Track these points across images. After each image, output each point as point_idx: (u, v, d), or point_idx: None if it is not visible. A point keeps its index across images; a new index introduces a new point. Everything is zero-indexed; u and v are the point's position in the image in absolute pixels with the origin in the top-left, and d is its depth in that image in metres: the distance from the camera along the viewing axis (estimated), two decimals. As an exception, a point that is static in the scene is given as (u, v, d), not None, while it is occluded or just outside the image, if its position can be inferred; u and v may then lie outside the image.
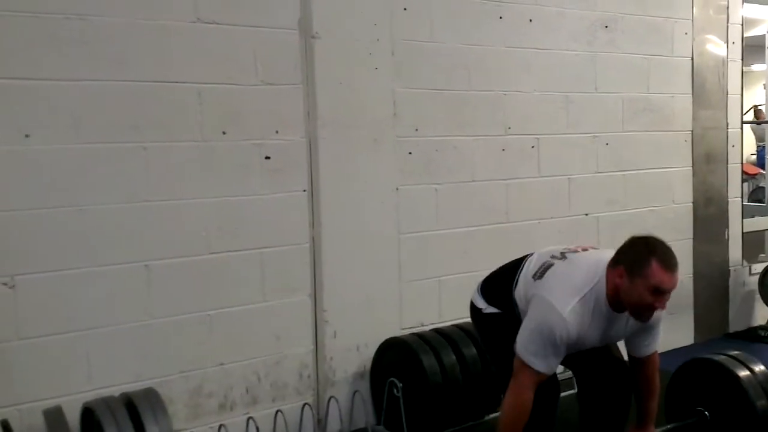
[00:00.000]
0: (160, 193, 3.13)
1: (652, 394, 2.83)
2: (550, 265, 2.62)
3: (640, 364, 2.77)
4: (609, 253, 2.57)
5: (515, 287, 2.71)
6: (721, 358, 3.18)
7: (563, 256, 2.67)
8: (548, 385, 2.65)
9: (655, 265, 2.41)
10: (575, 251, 2.70)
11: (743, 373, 3.08)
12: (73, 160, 2.96)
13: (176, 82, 3.15)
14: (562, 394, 2.95)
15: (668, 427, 3.12)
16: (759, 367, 3.13)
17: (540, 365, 2.49)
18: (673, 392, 3.26)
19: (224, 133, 3.26)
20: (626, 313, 2.55)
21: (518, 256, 2.86)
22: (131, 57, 3.04)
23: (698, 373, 3.20)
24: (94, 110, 2.98)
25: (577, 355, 2.75)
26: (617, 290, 2.48)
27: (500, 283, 2.80)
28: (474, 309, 2.88)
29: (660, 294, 2.44)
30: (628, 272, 2.44)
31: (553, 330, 2.45)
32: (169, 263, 3.16)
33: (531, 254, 2.79)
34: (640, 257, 2.44)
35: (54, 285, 2.93)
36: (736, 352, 3.23)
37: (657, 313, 2.57)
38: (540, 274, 2.61)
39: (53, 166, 2.92)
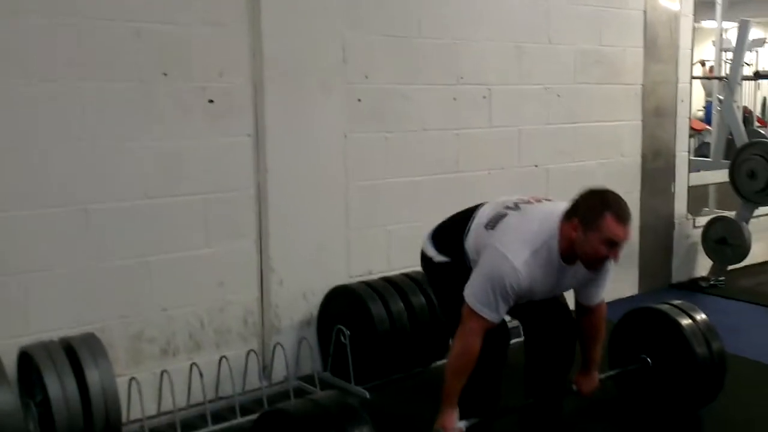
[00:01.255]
0: (97, 135, 3.04)
1: (597, 341, 2.89)
2: (504, 216, 2.61)
3: (587, 312, 2.81)
4: (562, 205, 2.57)
5: (466, 237, 2.70)
6: (664, 307, 3.26)
7: (516, 206, 2.66)
8: (498, 332, 2.66)
9: (609, 218, 2.42)
10: (529, 202, 2.70)
11: (685, 321, 3.16)
12: (4, 98, 2.84)
13: (113, 19, 3.03)
14: (512, 341, 2.97)
15: (611, 373, 3.20)
16: (700, 316, 3.21)
17: (488, 313, 2.51)
18: (617, 340, 3.34)
19: (165, 74, 3.17)
20: (576, 265, 2.57)
21: (468, 207, 2.84)
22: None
23: (642, 322, 3.27)
24: (26, 47, 2.86)
25: (524, 305, 2.78)
26: (571, 242, 2.49)
27: (451, 233, 2.79)
28: (424, 257, 2.87)
29: (614, 246, 2.45)
30: (582, 225, 2.45)
31: (504, 280, 2.46)
32: (108, 207, 3.09)
33: (483, 204, 2.78)
34: (594, 210, 2.45)
35: (-12, 228, 2.85)
36: (678, 302, 3.31)
37: (607, 264, 2.61)
38: (493, 224, 2.61)
39: (-16, 105, 2.81)
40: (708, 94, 9.33)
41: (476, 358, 2.53)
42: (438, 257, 2.80)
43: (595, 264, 2.53)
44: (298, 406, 2.39)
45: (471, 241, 2.68)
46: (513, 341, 2.97)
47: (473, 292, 2.53)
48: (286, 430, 2.21)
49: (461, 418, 2.59)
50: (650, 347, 3.21)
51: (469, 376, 2.57)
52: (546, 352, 2.88)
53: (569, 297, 2.85)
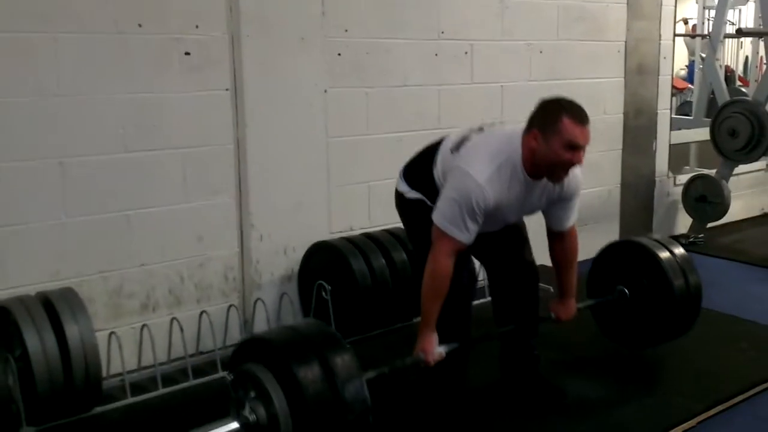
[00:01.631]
0: (72, 88, 2.99)
1: (571, 267, 2.90)
2: (467, 138, 2.64)
3: (559, 237, 2.83)
4: (519, 130, 2.59)
5: (434, 166, 2.70)
6: (644, 240, 3.27)
7: (480, 129, 2.71)
8: (465, 269, 2.71)
9: (566, 120, 2.45)
10: (492, 125, 2.73)
11: (663, 254, 3.16)
12: (-24, 51, 2.79)
13: (86, -33, 2.96)
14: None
15: (589, 302, 3.21)
16: (678, 250, 3.22)
17: (458, 233, 2.52)
18: (596, 272, 3.33)
19: (140, 25, 3.11)
20: (543, 182, 2.60)
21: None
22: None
23: (621, 254, 3.28)
24: (-4, -3, 2.80)
25: (490, 254, 2.85)
26: (533, 153, 2.50)
27: (420, 165, 2.79)
28: (397, 194, 2.88)
29: (574, 149, 2.47)
30: (541, 133, 2.47)
31: (470, 197, 2.48)
32: (85, 161, 3.05)
33: (443, 137, 2.79)
34: (551, 115, 2.48)
35: (-40, 182, 2.81)
36: (657, 236, 3.32)
37: (573, 184, 2.66)
38: (457, 147, 2.63)
39: (-46, 57, 2.75)
40: (691, 53, 9.31)
41: (449, 278, 2.55)
42: (410, 193, 2.80)
43: (560, 173, 2.55)
44: (279, 333, 2.38)
45: (438, 168, 2.69)
46: (480, 301, 3.01)
47: (441, 213, 2.55)
48: (266, 357, 2.20)
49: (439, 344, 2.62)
50: (629, 279, 3.21)
51: (441, 311, 2.59)
52: (512, 303, 2.93)
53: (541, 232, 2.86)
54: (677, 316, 3.15)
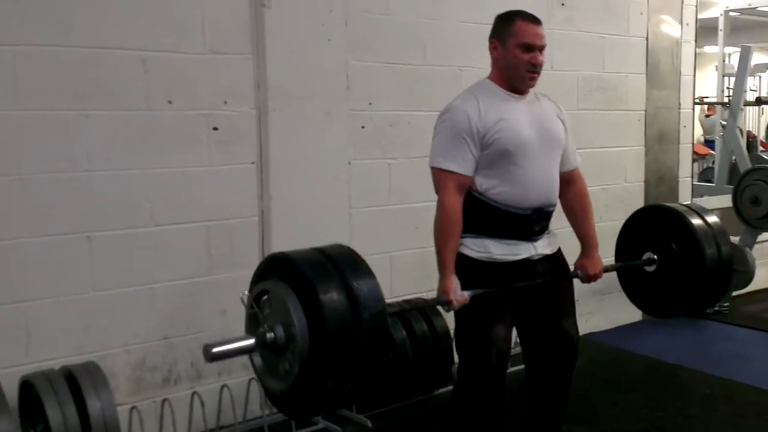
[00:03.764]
0: (102, 163, 3.05)
1: (587, 213, 2.85)
2: None
3: (568, 180, 2.80)
4: None
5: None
6: (676, 205, 3.21)
7: None
8: (491, 360, 2.59)
9: (519, 22, 2.60)
10: None
11: (696, 221, 3.07)
12: (12, 127, 2.86)
13: (120, 48, 3.05)
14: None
15: (616, 264, 3.13)
16: (712, 219, 3.12)
17: (455, 166, 2.54)
18: (625, 237, 3.25)
19: (170, 102, 3.18)
20: (530, 98, 2.68)
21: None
22: (72, 21, 2.94)
23: (651, 220, 3.19)
24: (33, 76, 2.88)
25: (528, 319, 2.71)
26: (497, 64, 2.66)
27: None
28: None
29: (531, 50, 2.59)
30: (499, 40, 2.64)
31: (453, 119, 2.57)
32: (112, 235, 3.09)
33: None
34: (505, 21, 2.64)
35: (-9, 256, 2.85)
36: (689, 202, 3.25)
37: (560, 105, 2.78)
38: None
39: (-10, 133, 2.82)
40: (707, 131, 9.33)
41: (457, 214, 2.56)
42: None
43: (524, 75, 2.61)
44: (305, 253, 2.25)
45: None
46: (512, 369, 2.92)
47: (432, 152, 2.62)
48: (289, 276, 2.14)
49: None
50: (659, 245, 3.10)
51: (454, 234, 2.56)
52: (546, 391, 2.81)
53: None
54: (708, 287, 3.02)
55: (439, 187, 2.60)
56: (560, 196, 2.79)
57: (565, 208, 2.86)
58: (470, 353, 2.65)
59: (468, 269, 2.61)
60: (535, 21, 2.63)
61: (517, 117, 2.62)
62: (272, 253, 2.46)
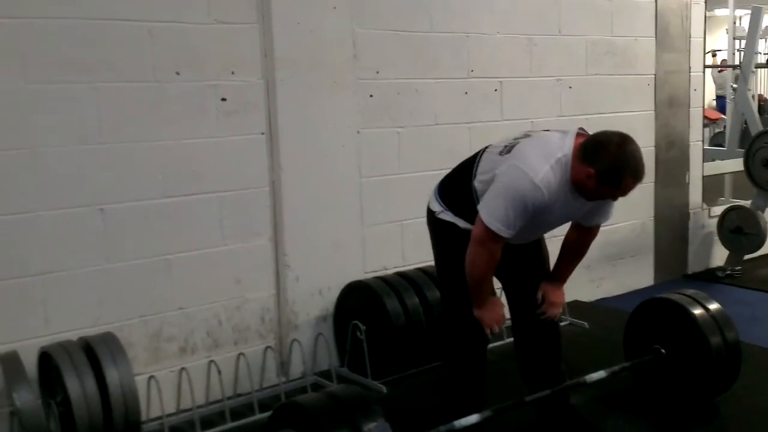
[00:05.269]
0: (113, 135, 3.06)
1: (579, 259, 2.87)
2: (516, 143, 2.60)
3: (581, 231, 2.80)
4: (571, 133, 2.55)
5: (473, 179, 2.65)
6: (677, 297, 3.24)
7: (527, 135, 2.67)
8: (476, 334, 2.73)
9: (628, 181, 2.45)
10: (537, 131, 2.74)
11: (698, 311, 3.14)
12: (22, 101, 2.87)
13: (126, 20, 3.05)
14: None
15: (626, 364, 3.19)
16: (713, 306, 3.19)
17: (504, 230, 2.49)
18: (631, 331, 3.33)
19: (178, 73, 3.18)
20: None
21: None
22: (78, -7, 2.94)
23: (655, 312, 3.26)
24: (41, 49, 2.89)
25: (512, 278, 2.83)
26: (582, 184, 2.48)
27: (457, 180, 2.75)
28: (429, 212, 2.83)
29: (623, 195, 2.52)
30: (598, 178, 2.44)
31: (524, 197, 2.45)
32: (125, 207, 3.11)
33: (485, 147, 2.74)
34: (615, 170, 2.43)
35: (7, 229, 2.87)
36: (691, 291, 3.30)
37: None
38: (507, 149, 2.58)
39: (1, 108, 2.83)
40: (719, 87, 9.24)
41: (494, 264, 2.58)
42: (442, 213, 2.74)
43: (597, 200, 2.58)
44: (313, 399, 2.36)
45: (480, 179, 2.63)
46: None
47: (488, 208, 2.51)
48: (300, 423, 2.19)
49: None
50: (664, 337, 3.19)
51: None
52: (534, 345, 2.90)
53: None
54: (715, 375, 3.09)
55: (487, 239, 2.53)
56: (568, 235, 2.83)
57: (565, 245, 2.85)
58: (452, 294, 2.78)
59: (458, 236, 2.66)
60: (642, 178, 2.48)
61: (567, 200, 2.56)
62: (283, 402, 2.57)
